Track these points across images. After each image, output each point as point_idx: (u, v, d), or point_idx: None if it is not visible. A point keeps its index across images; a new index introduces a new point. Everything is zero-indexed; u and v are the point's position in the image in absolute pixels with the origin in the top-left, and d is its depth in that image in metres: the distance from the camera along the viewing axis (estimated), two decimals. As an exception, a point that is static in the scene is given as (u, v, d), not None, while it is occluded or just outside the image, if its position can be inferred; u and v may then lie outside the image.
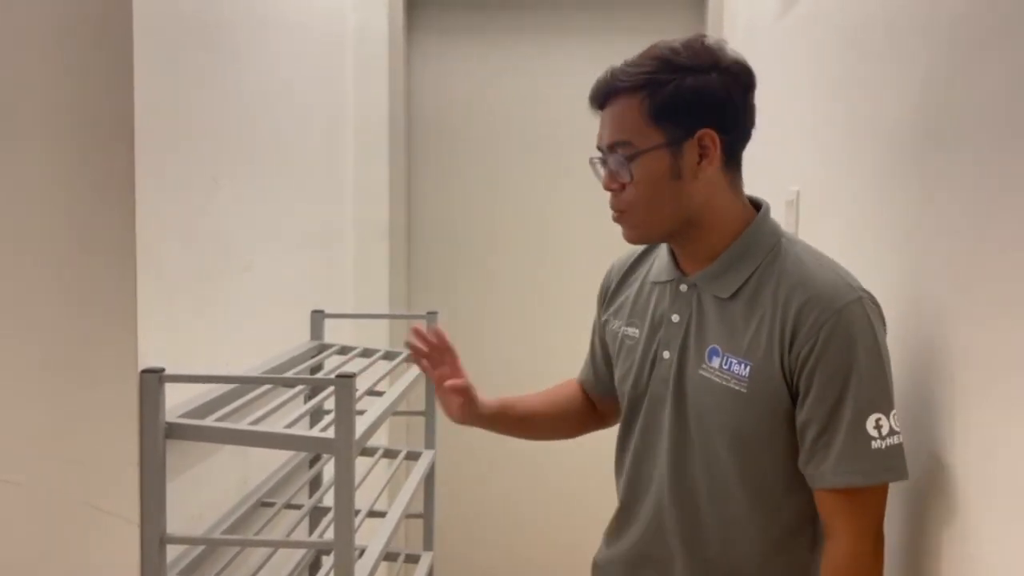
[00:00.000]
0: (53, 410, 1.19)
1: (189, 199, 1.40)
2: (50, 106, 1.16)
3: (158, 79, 1.27)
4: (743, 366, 1.15)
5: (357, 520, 1.40)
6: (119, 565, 1.21)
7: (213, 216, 1.50)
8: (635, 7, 2.74)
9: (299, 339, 1.97)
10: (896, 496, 1.19)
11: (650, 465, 1.28)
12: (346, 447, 1.23)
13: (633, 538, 1.31)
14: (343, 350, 1.97)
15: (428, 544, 2.03)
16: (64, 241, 1.17)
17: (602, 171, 1.23)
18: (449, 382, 1.36)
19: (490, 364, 2.81)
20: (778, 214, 1.98)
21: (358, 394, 1.34)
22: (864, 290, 1.14)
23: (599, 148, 1.23)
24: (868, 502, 1.12)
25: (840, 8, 1.64)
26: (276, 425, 1.34)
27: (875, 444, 1.09)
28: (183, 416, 1.30)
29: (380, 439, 2.55)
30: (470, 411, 1.39)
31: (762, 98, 2.42)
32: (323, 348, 1.98)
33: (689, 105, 1.15)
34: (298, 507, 1.73)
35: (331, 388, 1.39)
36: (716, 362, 1.18)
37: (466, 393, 1.37)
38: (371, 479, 1.80)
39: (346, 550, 1.24)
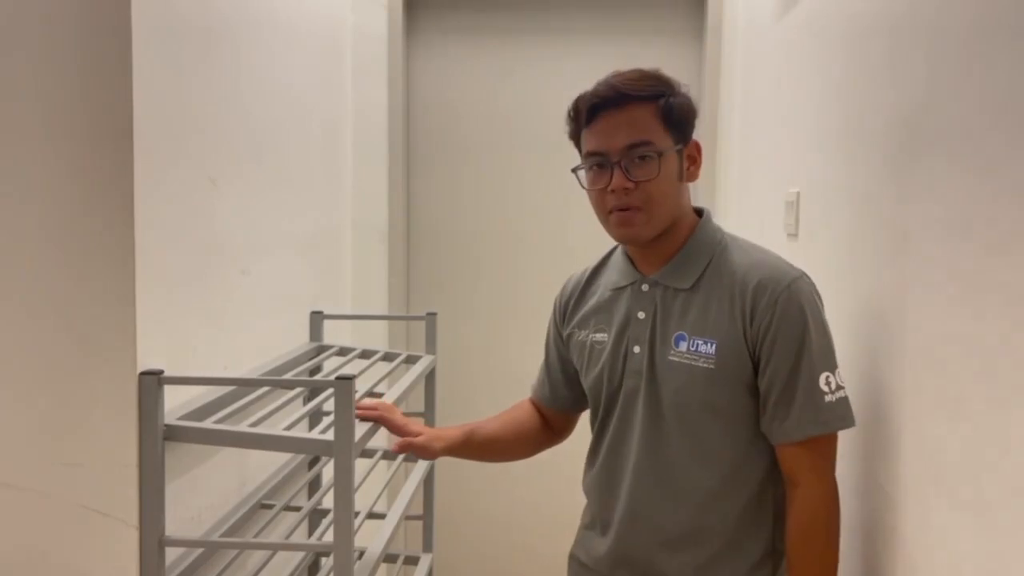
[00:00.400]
0: (52, 412, 1.18)
1: (188, 201, 1.39)
2: (49, 109, 1.15)
3: (157, 81, 1.27)
4: (709, 344, 1.31)
5: (356, 522, 1.40)
6: (118, 567, 1.21)
7: (212, 218, 1.49)
8: (635, 7, 2.74)
9: (298, 340, 1.97)
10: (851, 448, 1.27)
11: (622, 459, 1.39)
12: (346, 449, 1.23)
13: (612, 535, 1.40)
14: (342, 351, 1.97)
15: (428, 546, 2.02)
16: (63, 243, 1.17)
17: (597, 175, 1.33)
18: (392, 448, 1.39)
19: (489, 365, 2.81)
20: (778, 215, 1.99)
21: (357, 396, 1.34)
22: (801, 270, 1.33)
23: (599, 152, 1.32)
24: (824, 450, 1.30)
25: (839, 9, 1.64)
26: (275, 427, 1.34)
27: (827, 398, 1.28)
28: (182, 418, 1.30)
29: (379, 441, 2.54)
30: (433, 450, 1.39)
31: (762, 99, 2.43)
32: (322, 349, 1.98)
33: (688, 117, 1.34)
34: (297, 509, 1.72)
35: (331, 390, 1.39)
36: (683, 346, 1.33)
37: (409, 448, 1.37)
38: (370, 481, 1.79)
39: (346, 552, 1.24)
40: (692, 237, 1.37)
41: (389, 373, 1.81)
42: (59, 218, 1.16)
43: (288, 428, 1.34)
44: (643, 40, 2.73)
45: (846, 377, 1.35)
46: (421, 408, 2.04)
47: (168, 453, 1.24)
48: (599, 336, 1.43)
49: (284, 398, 1.48)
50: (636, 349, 1.37)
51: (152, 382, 1.20)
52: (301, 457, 1.89)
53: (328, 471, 1.93)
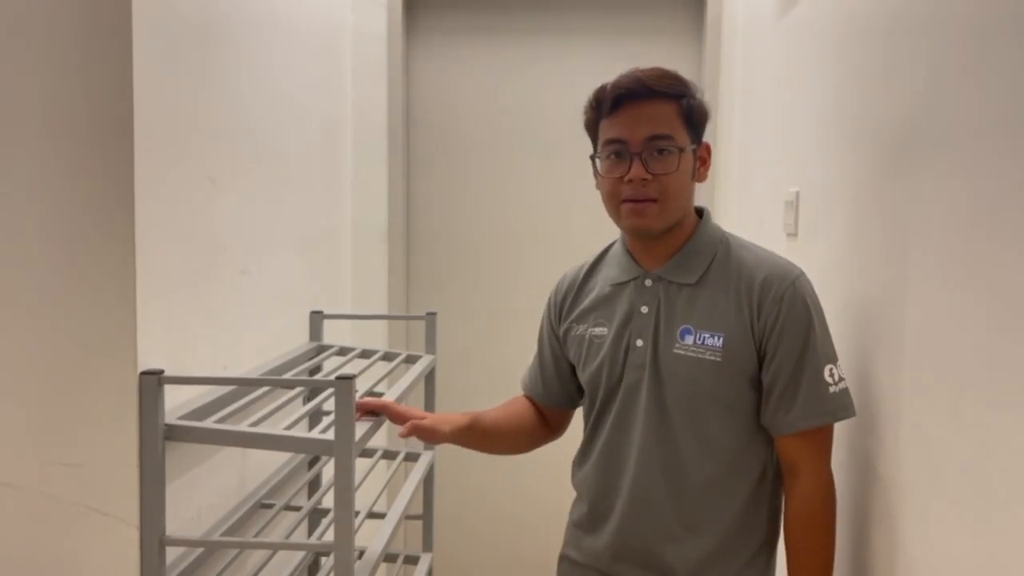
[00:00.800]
0: (52, 412, 1.18)
1: (188, 201, 1.39)
2: (49, 109, 1.15)
3: (157, 81, 1.27)
4: (716, 338, 1.33)
5: (356, 521, 1.40)
6: (118, 567, 1.21)
7: (212, 217, 1.49)
8: (635, 7, 2.74)
9: (298, 340, 1.97)
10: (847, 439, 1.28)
11: (623, 450, 1.40)
12: (346, 448, 1.23)
13: (613, 528, 1.40)
14: (342, 351, 1.97)
15: (427, 545, 2.02)
16: (64, 243, 1.17)
17: (613, 164, 1.34)
18: (399, 434, 1.39)
19: (488, 364, 2.81)
20: (777, 214, 1.99)
21: (358, 395, 1.34)
22: (800, 268, 1.37)
23: (619, 141, 1.33)
24: (825, 440, 1.35)
25: (839, 8, 1.64)
26: (275, 427, 1.34)
27: (831, 389, 1.32)
28: (182, 418, 1.30)
29: (379, 440, 2.54)
30: (436, 439, 1.42)
31: (761, 98, 2.43)
32: (322, 349, 1.98)
33: (703, 119, 1.38)
34: (297, 509, 1.72)
35: (331, 389, 1.39)
36: (689, 339, 1.35)
37: (420, 431, 1.39)
38: (370, 480, 1.79)
39: (346, 551, 1.24)
40: (696, 234, 1.40)
41: (389, 373, 1.81)
42: (59, 218, 1.16)
43: (288, 428, 1.34)
44: (643, 40, 2.73)
45: (845, 375, 1.36)
46: (421, 408, 2.05)
47: (168, 453, 1.24)
48: (598, 330, 1.44)
49: (284, 398, 1.48)
50: (639, 343, 1.38)
51: (152, 382, 1.20)
52: (301, 457, 1.89)
53: (328, 471, 1.94)
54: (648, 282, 1.40)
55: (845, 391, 1.33)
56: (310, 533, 1.91)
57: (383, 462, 2.05)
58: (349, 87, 2.64)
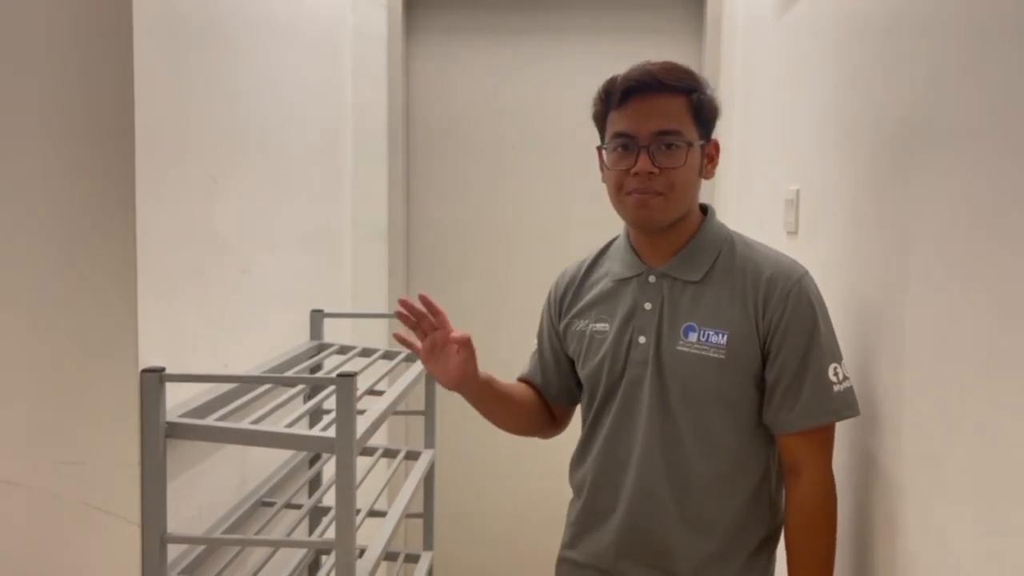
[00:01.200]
0: (54, 410, 1.19)
1: (189, 200, 1.40)
2: (50, 109, 1.16)
3: (158, 80, 1.27)
4: (721, 335, 1.33)
5: (357, 519, 1.41)
6: (120, 565, 1.21)
7: (213, 216, 1.50)
8: (635, 7, 2.74)
9: (298, 339, 1.97)
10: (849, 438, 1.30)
11: (625, 447, 1.39)
12: (347, 446, 1.23)
13: (616, 525, 1.40)
14: (342, 350, 1.97)
15: (428, 544, 2.03)
16: (65, 242, 1.17)
17: (620, 156, 1.33)
18: (455, 334, 1.34)
19: (488, 363, 2.80)
20: (777, 212, 1.99)
21: (358, 393, 1.34)
22: (804, 267, 1.37)
23: (627, 134, 1.32)
24: (827, 439, 1.34)
25: (839, 7, 1.64)
26: (276, 425, 1.34)
27: (836, 388, 1.31)
28: (183, 416, 1.30)
29: (379, 439, 2.55)
30: (471, 369, 1.38)
31: (761, 97, 2.43)
32: (322, 348, 1.98)
33: (713, 115, 1.37)
34: (298, 507, 1.73)
35: (331, 387, 1.40)
36: (693, 337, 1.35)
37: (470, 346, 1.36)
38: (371, 479, 1.80)
39: (347, 549, 1.24)
40: (700, 232, 1.39)
41: (389, 371, 1.81)
42: (61, 217, 1.16)
43: (289, 426, 1.34)
44: (643, 39, 2.73)
45: (849, 374, 1.36)
46: (421, 407, 2.05)
47: (169, 451, 1.25)
48: (600, 326, 1.43)
49: (284, 396, 1.48)
50: (641, 339, 1.37)
51: (153, 380, 1.20)
52: (301, 455, 1.90)
53: (328, 469, 1.94)
54: (652, 278, 1.39)
55: (849, 390, 1.33)
56: (311, 531, 1.92)
57: (383, 460, 2.05)
58: (349, 87, 2.64)
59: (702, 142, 1.35)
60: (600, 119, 1.39)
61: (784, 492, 1.38)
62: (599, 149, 1.39)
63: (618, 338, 1.40)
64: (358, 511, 1.41)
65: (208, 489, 1.49)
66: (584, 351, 1.45)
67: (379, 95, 2.71)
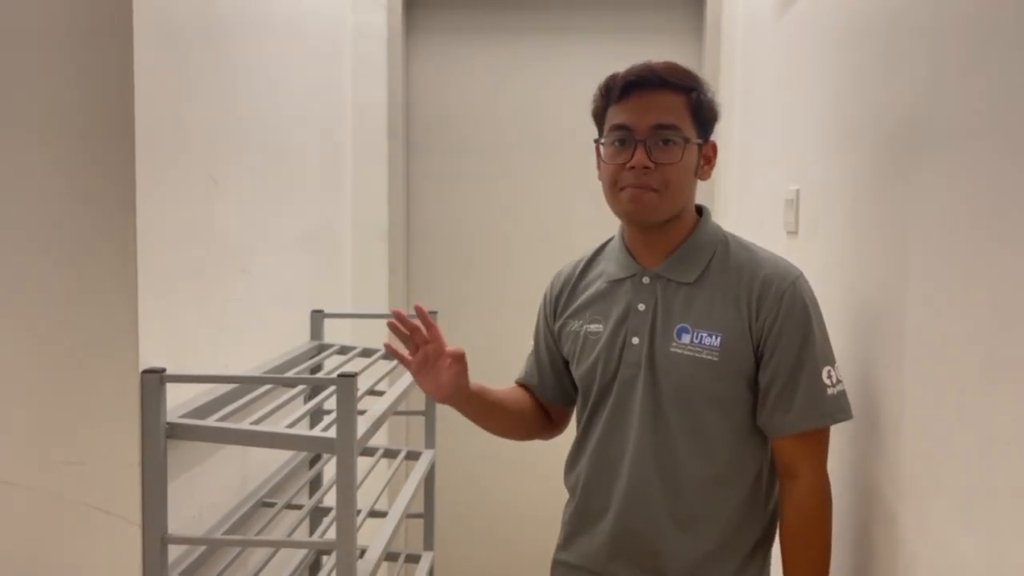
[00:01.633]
0: (54, 411, 1.19)
1: (189, 200, 1.40)
2: (51, 108, 1.16)
3: (158, 80, 1.27)
4: (714, 337, 1.33)
5: (358, 520, 1.40)
6: (121, 565, 1.21)
7: (213, 216, 1.49)
8: (635, 7, 2.74)
9: (299, 339, 1.97)
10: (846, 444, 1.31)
11: (618, 448, 1.39)
12: (348, 447, 1.23)
13: (607, 527, 1.39)
14: (343, 350, 1.97)
15: (428, 544, 2.03)
16: (65, 242, 1.17)
17: (618, 150, 1.33)
18: (450, 348, 1.34)
19: (489, 363, 2.80)
20: (777, 212, 1.99)
21: (359, 394, 1.34)
22: (799, 269, 1.36)
23: (625, 127, 1.32)
24: (821, 442, 1.34)
25: (839, 7, 1.64)
26: (277, 425, 1.34)
27: (829, 391, 1.31)
28: (184, 416, 1.30)
29: (380, 439, 2.55)
30: (462, 383, 1.36)
31: (761, 97, 2.43)
32: (323, 348, 1.98)
33: (714, 116, 1.38)
34: (298, 507, 1.73)
35: (332, 388, 1.39)
36: (687, 338, 1.34)
37: (464, 361, 1.36)
38: (371, 479, 1.80)
39: (348, 550, 1.24)
40: (695, 233, 1.39)
41: (390, 372, 1.81)
42: (61, 218, 1.16)
43: (290, 426, 1.34)
44: (643, 39, 2.73)
45: (845, 374, 1.36)
46: (421, 407, 2.05)
47: (169, 451, 1.25)
48: (594, 327, 1.43)
49: (285, 396, 1.48)
50: (635, 340, 1.37)
51: (154, 380, 1.20)
52: (302, 455, 1.90)
53: (328, 470, 1.94)
54: (646, 279, 1.39)
55: (843, 393, 1.33)
56: (311, 532, 1.92)
57: (384, 461, 2.05)
58: (349, 86, 2.64)
59: (699, 141, 1.35)
60: (599, 115, 1.39)
61: (779, 494, 1.37)
62: (596, 143, 1.39)
63: (612, 339, 1.39)
64: (359, 511, 1.41)
65: (209, 489, 1.49)
66: (578, 352, 1.45)
67: (379, 95, 2.71)
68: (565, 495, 1.52)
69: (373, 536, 1.54)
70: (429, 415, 2.04)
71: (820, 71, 1.75)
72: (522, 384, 1.59)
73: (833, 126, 1.64)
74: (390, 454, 2.00)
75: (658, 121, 1.31)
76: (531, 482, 2.81)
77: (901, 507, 1.25)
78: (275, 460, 1.81)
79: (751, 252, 1.38)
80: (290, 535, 1.54)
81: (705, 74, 2.67)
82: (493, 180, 2.81)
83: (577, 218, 2.75)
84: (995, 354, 0.97)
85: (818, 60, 1.77)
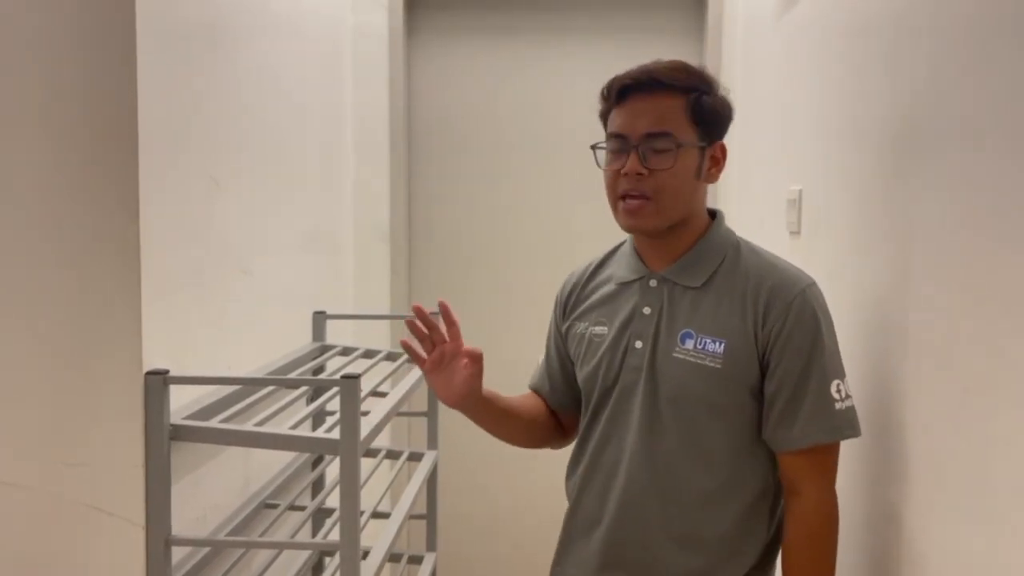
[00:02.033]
0: (58, 412, 1.19)
1: (191, 201, 1.40)
2: (53, 110, 1.16)
3: (160, 82, 1.27)
4: (718, 344, 1.29)
5: (361, 521, 1.41)
6: (124, 567, 1.21)
7: (215, 218, 1.50)
8: (635, 7, 2.74)
9: (301, 340, 1.97)
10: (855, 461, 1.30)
11: (614, 455, 1.35)
12: (351, 448, 1.23)
13: (601, 536, 1.36)
14: (345, 351, 1.97)
15: (431, 545, 2.03)
16: (68, 244, 1.17)
17: (614, 156, 1.31)
18: (467, 348, 1.31)
19: (491, 363, 2.80)
20: (779, 213, 1.99)
21: (362, 395, 1.34)
22: (811, 278, 1.32)
23: (619, 135, 1.31)
24: (828, 459, 1.29)
25: (840, 6, 1.64)
26: (280, 427, 1.34)
27: (837, 406, 1.26)
28: (187, 418, 1.30)
29: (383, 440, 2.55)
30: (475, 386, 1.34)
31: (762, 97, 2.42)
32: (325, 349, 1.98)
33: (720, 117, 1.33)
34: (301, 508, 1.73)
35: (335, 389, 1.40)
36: (690, 344, 1.30)
37: (480, 362, 1.33)
38: (374, 480, 1.80)
39: (352, 551, 1.24)
40: (705, 236, 1.35)
41: (392, 373, 1.81)
42: (64, 219, 1.16)
43: (293, 428, 1.34)
44: (643, 39, 2.73)
45: (849, 376, 1.34)
46: (424, 408, 2.05)
47: (173, 453, 1.25)
48: (599, 329, 1.40)
49: (287, 398, 1.49)
50: (638, 344, 1.34)
51: (158, 382, 1.20)
52: (304, 457, 1.90)
53: (331, 471, 1.94)
54: (653, 283, 1.35)
55: (851, 408, 1.28)
56: (314, 533, 1.92)
57: (387, 462, 2.05)
58: (350, 87, 2.64)
59: (703, 144, 1.30)
60: (604, 117, 1.37)
61: (783, 511, 1.33)
62: (593, 148, 1.36)
63: (615, 342, 1.36)
64: (362, 512, 1.41)
65: (212, 491, 1.49)
66: (583, 354, 1.42)
67: (380, 96, 2.71)
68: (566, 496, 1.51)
69: (376, 537, 1.54)
70: (432, 416, 2.04)
71: (821, 71, 1.75)
72: (534, 390, 1.55)
73: (835, 126, 1.64)
74: (393, 455, 2.00)
75: (650, 129, 1.28)
76: (533, 483, 2.81)
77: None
78: (278, 461, 1.81)
79: (762, 258, 1.34)
80: (293, 536, 1.54)
81: (706, 74, 2.67)
82: (494, 180, 2.81)
83: (578, 218, 2.75)
84: (1001, 355, 0.97)
85: (819, 60, 1.77)
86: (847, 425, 1.27)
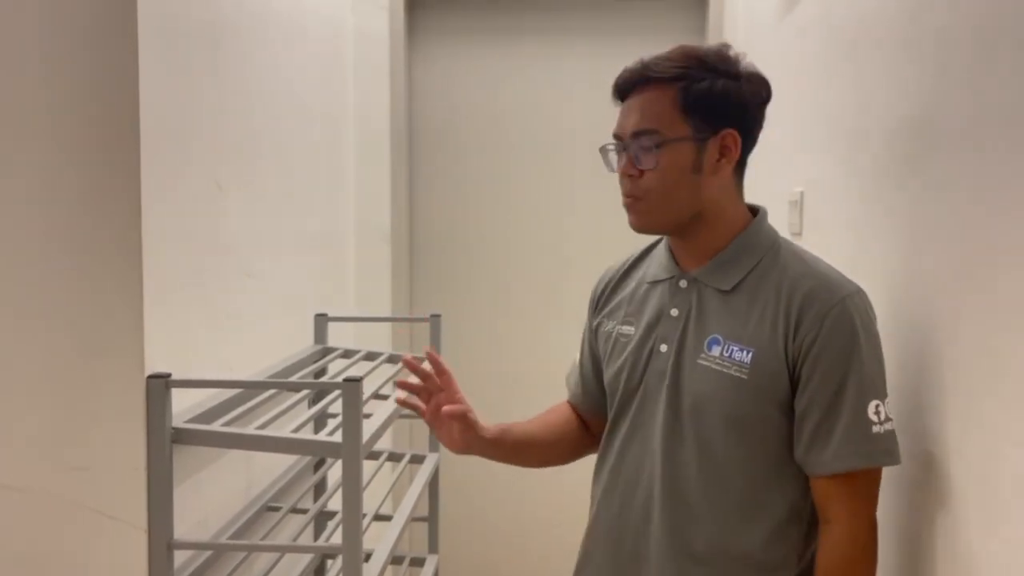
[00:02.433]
0: (60, 416, 1.19)
1: (194, 204, 1.40)
2: (55, 112, 1.16)
3: (163, 86, 1.27)
4: (745, 352, 1.18)
5: (363, 523, 1.40)
6: (126, 570, 1.21)
7: (217, 220, 1.49)
8: (635, 7, 2.74)
9: (303, 343, 1.97)
10: (892, 486, 1.22)
11: (638, 462, 1.28)
12: (354, 451, 1.23)
13: (610, 550, 1.30)
14: (347, 354, 1.97)
15: (433, 547, 2.03)
16: (71, 247, 1.17)
17: (617, 157, 1.26)
18: (446, 408, 1.28)
19: (493, 365, 2.81)
20: (781, 214, 1.99)
21: (364, 397, 1.34)
22: (858, 285, 1.20)
23: (617, 136, 1.25)
24: (865, 487, 1.17)
25: (841, 8, 1.64)
26: (282, 429, 1.34)
27: (875, 429, 1.14)
28: (189, 421, 1.30)
29: (384, 443, 2.54)
30: (471, 436, 1.32)
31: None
32: (327, 352, 1.98)
33: (719, 105, 1.20)
34: (303, 511, 1.72)
35: (337, 392, 1.39)
36: (716, 351, 1.21)
37: (465, 418, 1.30)
38: (376, 483, 1.80)
39: (354, 554, 1.24)
40: (741, 235, 1.25)
41: (394, 375, 1.81)
42: (67, 223, 1.16)
43: (295, 431, 1.34)
44: (644, 40, 2.71)
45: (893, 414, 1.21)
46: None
47: (175, 456, 1.25)
48: (626, 328, 1.32)
49: (289, 401, 1.48)
50: (663, 348, 1.26)
51: (160, 385, 1.20)
52: (306, 460, 1.90)
53: (333, 474, 1.94)
54: (683, 283, 1.26)
55: (891, 433, 1.15)
56: (316, 536, 1.91)
57: (388, 464, 2.05)
58: (351, 89, 2.64)
59: (701, 135, 1.20)
60: None
61: (817, 540, 1.20)
62: (602, 151, 1.31)
63: (640, 344, 1.28)
64: (364, 515, 1.40)
65: (214, 494, 1.49)
66: (608, 354, 1.34)
67: (381, 97, 2.71)
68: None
69: (378, 540, 1.54)
70: (433, 418, 2.03)
71: (823, 72, 1.75)
72: (572, 404, 1.49)
73: (836, 127, 1.64)
74: (394, 458, 2.00)
75: (637, 127, 1.21)
76: (536, 485, 2.80)
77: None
78: (279, 464, 1.81)
79: (802, 262, 1.22)
80: (295, 539, 1.54)
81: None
82: (496, 182, 2.81)
83: (580, 218, 2.75)
84: (999, 355, 0.97)
85: (820, 61, 1.77)
86: (884, 451, 1.15)
